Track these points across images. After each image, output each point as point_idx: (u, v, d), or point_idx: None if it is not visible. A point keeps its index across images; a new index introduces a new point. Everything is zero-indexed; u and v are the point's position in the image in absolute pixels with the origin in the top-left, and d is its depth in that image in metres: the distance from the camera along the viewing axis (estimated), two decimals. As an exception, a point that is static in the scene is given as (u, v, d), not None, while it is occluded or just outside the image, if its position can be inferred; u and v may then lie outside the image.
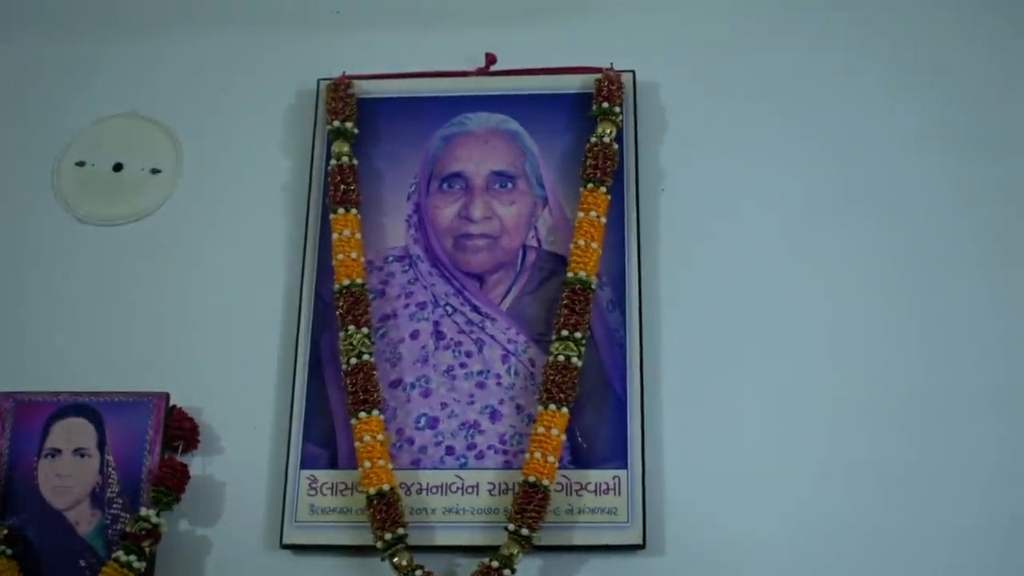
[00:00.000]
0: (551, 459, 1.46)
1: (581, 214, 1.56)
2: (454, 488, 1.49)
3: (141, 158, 1.72)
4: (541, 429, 1.47)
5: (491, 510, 1.48)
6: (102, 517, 1.50)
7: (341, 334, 1.54)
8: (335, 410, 1.54)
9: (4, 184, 1.71)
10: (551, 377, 1.49)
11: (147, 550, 1.45)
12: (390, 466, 1.48)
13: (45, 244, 1.68)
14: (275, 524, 1.51)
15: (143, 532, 1.46)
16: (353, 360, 1.52)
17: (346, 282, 1.56)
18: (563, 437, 1.47)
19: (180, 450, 1.54)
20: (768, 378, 1.52)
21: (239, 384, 1.58)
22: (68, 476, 1.52)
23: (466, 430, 1.52)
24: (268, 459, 1.55)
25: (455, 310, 1.57)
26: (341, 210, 1.60)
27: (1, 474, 1.52)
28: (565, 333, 1.50)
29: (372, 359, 1.53)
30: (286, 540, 1.49)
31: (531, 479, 1.45)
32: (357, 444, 1.49)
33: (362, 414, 1.49)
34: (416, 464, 1.51)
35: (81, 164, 1.73)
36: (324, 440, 1.53)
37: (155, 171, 1.71)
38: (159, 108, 1.74)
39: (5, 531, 1.47)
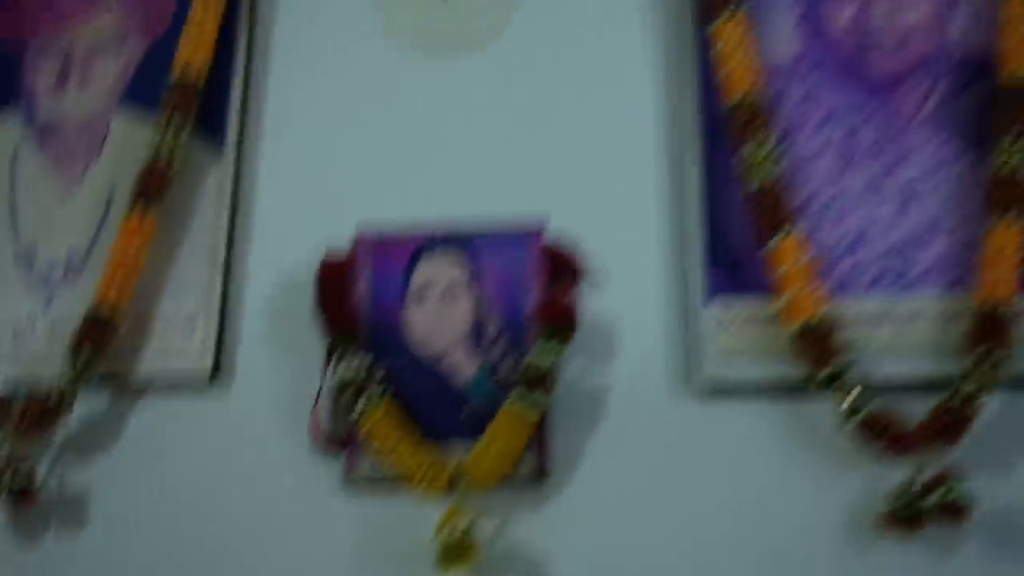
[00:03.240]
0: (1008, 280, 1.23)
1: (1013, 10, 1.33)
2: (888, 317, 1.27)
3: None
4: (993, 247, 1.25)
5: (933, 342, 1.27)
6: (481, 364, 1.31)
7: (741, 152, 1.33)
8: (738, 235, 1.34)
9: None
10: (998, 188, 1.26)
11: (542, 398, 1.26)
12: (819, 292, 1.27)
13: (384, 77, 1.50)
14: (680, 365, 1.32)
15: (536, 378, 1.26)
16: (758, 180, 1.31)
17: (740, 95, 1.36)
18: (1017, 255, 1.24)
19: (564, 286, 1.33)
20: None
21: (621, 211, 1.38)
22: (439, 320, 1.34)
23: (895, 253, 1.30)
24: (663, 292, 1.35)
25: (866, 121, 1.35)
26: (724, 15, 1.38)
27: (364, 321, 1.32)
28: (1009, 140, 1.27)
29: (779, 177, 1.32)
30: (695, 383, 1.30)
31: (985, 304, 1.23)
32: (776, 270, 1.28)
33: (781, 234, 1.28)
34: (840, 292, 1.30)
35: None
36: (729, 268, 1.33)
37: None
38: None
39: (376, 377, 1.29)
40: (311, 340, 1.29)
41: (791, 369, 1.23)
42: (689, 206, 1.36)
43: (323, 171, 1.41)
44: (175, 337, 1.34)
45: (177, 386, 1.33)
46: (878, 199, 1.33)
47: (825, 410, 1.21)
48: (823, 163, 1.36)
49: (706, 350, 1.28)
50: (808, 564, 1.22)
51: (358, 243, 1.37)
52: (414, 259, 1.36)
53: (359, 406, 1.28)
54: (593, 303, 1.35)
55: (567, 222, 1.36)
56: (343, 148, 1.41)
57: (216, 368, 1.33)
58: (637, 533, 1.26)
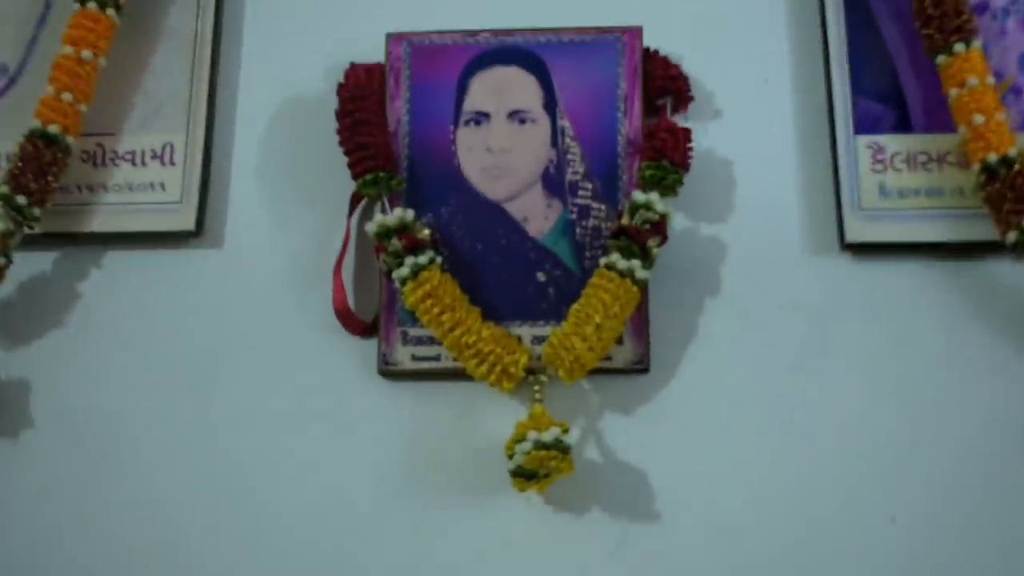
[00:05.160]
0: None
1: None
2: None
3: None
4: None
5: None
6: (563, 210, 1.00)
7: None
8: (896, 53, 1.04)
9: None
10: None
11: (652, 252, 0.95)
12: (1007, 123, 0.97)
13: None
14: (826, 215, 1.02)
15: (645, 226, 0.93)
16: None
17: None
18: None
19: (667, 110, 1.00)
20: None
21: (731, 21, 1.08)
22: (505, 151, 1.01)
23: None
24: (799, 122, 1.05)
25: None
26: None
27: (401, 150, 0.98)
28: None
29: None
30: (849, 238, 1.00)
31: None
32: (953, 92, 0.97)
33: (957, 46, 0.98)
34: (1028, 127, 0.99)
35: None
36: (884, 94, 1.03)
37: None
38: None
39: (427, 231, 0.95)
40: (327, 178, 1.02)
41: (970, 222, 0.99)
42: (832, 18, 1.05)
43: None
44: (146, 173, 1.04)
45: (150, 238, 1.04)
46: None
47: (1014, 272, 0.96)
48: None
49: (861, 198, 1.00)
50: (990, 472, 0.96)
51: (392, 48, 1.03)
52: (469, 71, 1.03)
53: (404, 267, 0.95)
54: (706, 138, 1.03)
55: (666, 36, 1.05)
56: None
57: (201, 216, 1.04)
58: (765, 438, 0.97)
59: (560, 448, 0.91)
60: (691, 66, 1.04)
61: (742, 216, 1.02)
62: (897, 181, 1.00)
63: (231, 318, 1.02)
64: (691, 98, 1.03)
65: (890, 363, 0.98)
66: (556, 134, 1.01)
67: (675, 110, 1.03)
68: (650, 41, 1.03)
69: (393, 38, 1.04)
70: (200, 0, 1.09)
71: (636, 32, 1.03)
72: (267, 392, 1.00)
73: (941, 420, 0.96)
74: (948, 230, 0.99)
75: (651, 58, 1.03)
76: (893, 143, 1.01)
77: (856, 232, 1.00)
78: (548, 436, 0.91)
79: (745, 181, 1.03)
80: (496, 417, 0.97)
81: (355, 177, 0.99)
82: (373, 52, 1.04)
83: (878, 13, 1.05)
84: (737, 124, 1.05)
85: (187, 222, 1.03)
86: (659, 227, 0.95)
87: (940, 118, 1.01)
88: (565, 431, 0.92)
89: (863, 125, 1.02)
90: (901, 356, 0.98)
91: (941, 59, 0.99)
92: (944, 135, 1.01)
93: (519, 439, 0.91)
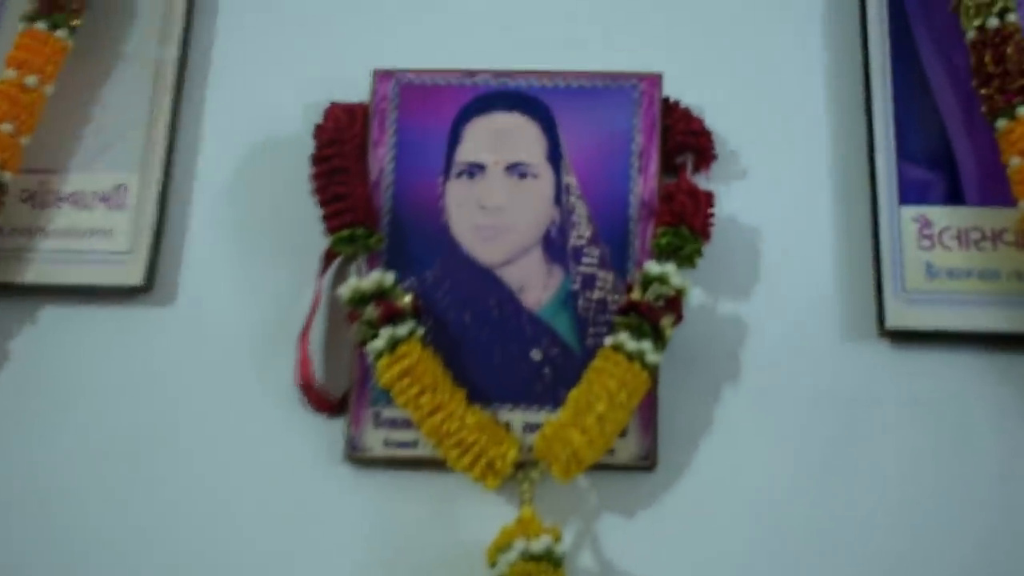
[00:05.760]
0: None
1: None
2: None
3: None
4: None
5: None
6: (565, 279, 0.89)
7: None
8: (948, 113, 0.94)
9: None
10: None
11: (665, 332, 0.83)
12: None
13: None
14: (864, 295, 0.91)
15: (659, 302, 0.82)
16: (986, 22, 0.89)
17: None
18: None
19: (688, 169, 0.90)
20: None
21: (762, 72, 0.98)
22: (501, 209, 0.90)
23: None
24: (836, 188, 0.94)
25: None
26: None
27: (383, 203, 0.89)
28: None
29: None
30: (890, 323, 0.88)
31: None
32: (1015, 161, 0.87)
33: (1021, 109, 0.88)
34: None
35: None
36: (934, 160, 0.92)
37: None
38: None
39: (408, 298, 0.82)
40: (299, 233, 0.91)
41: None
42: (877, 74, 0.94)
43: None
44: (92, 217, 0.93)
45: (94, 292, 0.92)
46: None
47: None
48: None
49: (905, 277, 0.89)
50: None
51: (379, 87, 0.92)
52: (464, 116, 0.93)
53: (380, 339, 0.83)
54: (730, 203, 0.92)
55: (689, 85, 0.94)
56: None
57: (152, 269, 0.92)
58: (786, 548, 0.85)
59: (551, 560, 0.79)
60: (716, 120, 0.93)
61: (768, 294, 0.91)
62: (946, 260, 0.89)
63: (181, 387, 0.90)
64: (715, 156, 0.93)
65: (932, 468, 0.86)
66: (560, 191, 0.90)
67: (696, 169, 0.92)
68: (670, 90, 0.93)
69: (380, 75, 0.93)
70: (165, 25, 0.98)
71: (655, 80, 0.92)
72: (218, 476, 0.88)
73: (989, 536, 0.84)
74: (1004, 318, 0.88)
75: (671, 110, 0.92)
76: (943, 216, 0.90)
77: (898, 317, 0.88)
78: (538, 546, 0.79)
79: (772, 254, 0.92)
80: (478, 515, 0.84)
81: (329, 232, 0.88)
82: (357, 90, 0.94)
83: (929, 66, 0.95)
84: (766, 188, 0.93)
85: (136, 275, 0.91)
86: (674, 304, 0.84)
87: (998, 189, 0.89)
88: (557, 539, 0.80)
89: (909, 194, 0.91)
90: (945, 461, 0.86)
91: (1001, 123, 0.88)
92: (1002, 209, 0.89)
93: (504, 547, 0.79)
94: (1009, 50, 0.89)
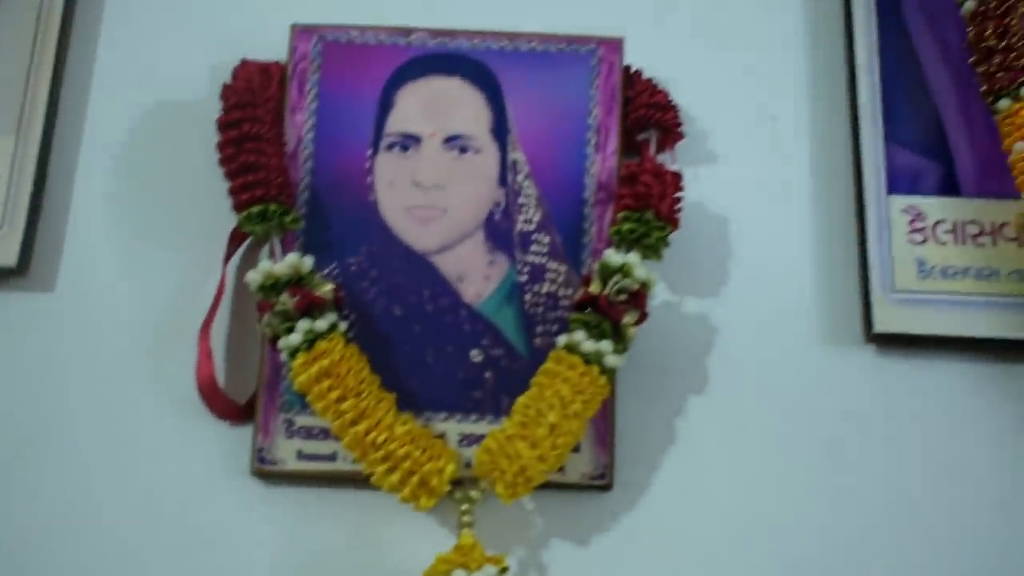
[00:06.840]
0: None
1: None
2: None
3: None
4: None
5: None
6: (510, 269, 0.79)
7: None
8: (940, 93, 0.86)
9: None
10: None
11: (627, 332, 0.74)
12: None
13: None
14: (849, 296, 0.83)
15: (620, 296, 0.74)
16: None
17: None
18: None
19: (651, 147, 0.82)
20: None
21: (735, 41, 0.90)
22: (438, 187, 0.80)
23: None
24: (817, 174, 0.87)
25: None
26: None
27: (300, 177, 0.81)
28: None
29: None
30: (877, 327, 0.81)
31: None
32: (1018, 147, 0.78)
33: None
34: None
35: None
36: (926, 145, 0.84)
37: None
38: None
39: (330, 287, 0.73)
40: (201, 209, 0.82)
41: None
42: (861, 50, 0.87)
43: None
44: None
45: None
46: None
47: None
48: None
49: (895, 274, 0.82)
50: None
51: (298, 44, 0.84)
52: (398, 80, 0.83)
53: (296, 333, 0.73)
54: (697, 188, 0.85)
55: (653, 54, 0.86)
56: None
57: (28, 250, 0.82)
58: (756, 574, 0.76)
59: (489, 591, 0.69)
60: (683, 94, 0.85)
61: (739, 292, 0.83)
62: (940, 257, 0.82)
63: (60, 388, 0.80)
64: (681, 135, 0.83)
65: (921, 488, 0.79)
66: (506, 169, 0.81)
67: (660, 149, 0.83)
68: (633, 58, 0.83)
69: (300, 30, 0.84)
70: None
71: (616, 45, 0.83)
72: (103, 491, 0.78)
73: (981, 555, 0.77)
74: (1003, 323, 0.81)
75: (633, 80, 0.83)
76: (936, 208, 0.83)
77: (886, 320, 0.80)
78: (478, 570, 0.70)
79: (745, 247, 0.84)
80: (407, 541, 0.76)
81: (237, 209, 0.77)
82: (274, 48, 0.84)
83: (919, 42, 0.88)
84: (738, 172, 0.86)
85: (8, 256, 0.81)
86: (638, 299, 0.75)
87: (997, 178, 0.82)
88: (503, 569, 0.71)
89: (899, 183, 0.83)
90: (936, 480, 0.79)
91: (1003, 104, 0.80)
92: (1002, 201, 0.83)
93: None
94: (1014, 21, 0.80)
